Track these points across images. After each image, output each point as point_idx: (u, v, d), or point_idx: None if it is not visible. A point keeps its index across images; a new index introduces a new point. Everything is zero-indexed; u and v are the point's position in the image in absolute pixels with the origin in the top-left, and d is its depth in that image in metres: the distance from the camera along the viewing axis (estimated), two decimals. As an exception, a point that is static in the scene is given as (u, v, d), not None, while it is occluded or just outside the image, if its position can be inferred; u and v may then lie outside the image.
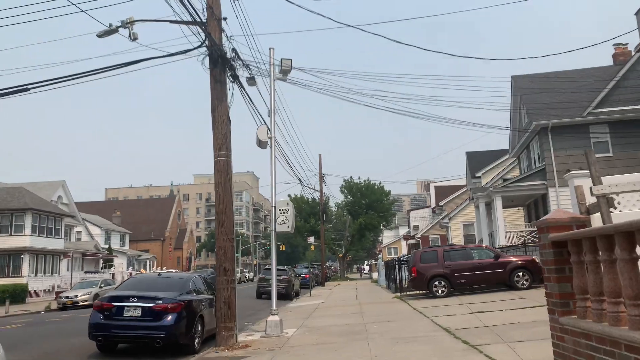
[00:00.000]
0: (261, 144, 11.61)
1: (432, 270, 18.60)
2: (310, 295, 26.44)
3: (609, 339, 3.38)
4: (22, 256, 36.04)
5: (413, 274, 18.95)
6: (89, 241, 55.48)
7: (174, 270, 44.25)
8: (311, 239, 29.95)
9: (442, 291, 18.42)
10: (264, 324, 11.23)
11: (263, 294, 26.59)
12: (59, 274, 40.26)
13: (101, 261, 53.34)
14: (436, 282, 18.49)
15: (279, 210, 11.24)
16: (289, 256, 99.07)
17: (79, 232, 58.89)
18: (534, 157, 26.91)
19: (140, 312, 8.83)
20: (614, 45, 28.29)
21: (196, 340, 9.53)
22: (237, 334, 9.91)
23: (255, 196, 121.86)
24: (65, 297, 27.32)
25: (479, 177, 36.93)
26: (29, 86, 10.62)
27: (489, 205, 27.46)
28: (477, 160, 38.62)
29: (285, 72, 11.84)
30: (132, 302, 8.87)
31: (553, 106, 24.50)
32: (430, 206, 57.68)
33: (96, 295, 24.61)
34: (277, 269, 28.62)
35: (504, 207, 25.90)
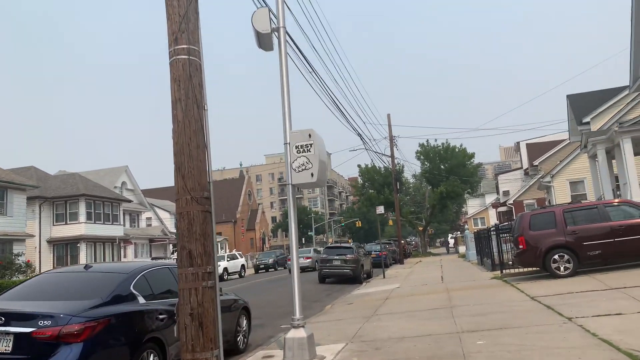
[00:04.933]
0: (262, 40, 6.90)
1: (549, 239, 13.16)
2: (384, 277, 21.65)
3: None
4: (78, 245, 34.29)
5: (521, 246, 13.58)
6: (157, 226, 54.14)
7: (236, 252, 40.96)
8: (380, 209, 25.12)
9: (566, 268, 12.99)
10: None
11: (326, 278, 22.19)
12: (120, 261, 38.42)
13: (170, 246, 51.67)
14: (556, 256, 13.07)
15: (296, 147, 6.50)
16: (367, 232, 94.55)
17: (148, 218, 57.91)
18: (672, 85, 20.03)
19: (11, 345, 4.59)
20: None
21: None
22: (220, 371, 5.37)
23: (328, 173, 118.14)
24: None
25: (587, 123, 29.73)
26: None
27: (610, 153, 21.14)
28: (583, 104, 31.29)
29: None
30: None
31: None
32: (521, 168, 50.48)
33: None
34: (342, 247, 24.28)
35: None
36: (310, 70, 12.26)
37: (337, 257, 21.78)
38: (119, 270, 6.07)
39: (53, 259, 34.52)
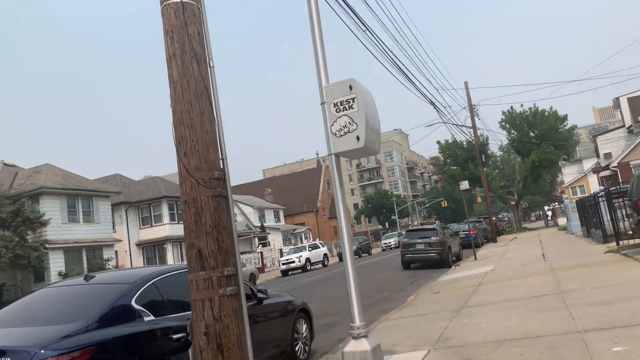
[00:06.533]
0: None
1: (682, 200, 10.62)
2: (475, 258, 19.52)
3: None
4: (165, 246, 35.07)
5: (643, 212, 11.12)
6: (241, 221, 54.74)
7: (318, 242, 40.09)
8: (464, 184, 22.74)
9: None
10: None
11: (410, 263, 20.45)
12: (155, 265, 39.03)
13: (256, 240, 52.05)
14: (692, 221, 10.51)
15: (335, 106, 5.00)
16: (454, 212, 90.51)
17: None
18: None
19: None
20: None
21: None
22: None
23: (408, 154, 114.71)
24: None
25: None
26: None
27: None
28: (698, 42, 26.76)
29: None
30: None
31: None
32: (624, 126, 45.09)
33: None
34: (425, 229, 22.33)
35: None
36: (365, 28, 10.63)
37: (420, 241, 19.95)
38: (120, 280, 4.90)
39: (143, 261, 35.65)
